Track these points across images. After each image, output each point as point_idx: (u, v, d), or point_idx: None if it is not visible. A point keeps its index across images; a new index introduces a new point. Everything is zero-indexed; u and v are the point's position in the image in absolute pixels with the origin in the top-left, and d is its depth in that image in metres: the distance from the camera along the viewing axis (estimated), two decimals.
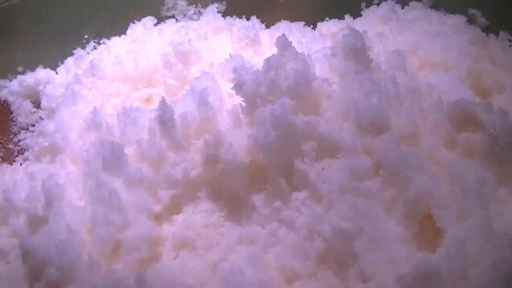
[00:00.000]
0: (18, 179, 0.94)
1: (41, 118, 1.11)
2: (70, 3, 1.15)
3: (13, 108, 1.12)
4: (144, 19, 1.18)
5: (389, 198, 0.73)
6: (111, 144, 0.83)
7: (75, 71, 1.11)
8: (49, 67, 1.16)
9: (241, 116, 0.83)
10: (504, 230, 0.66)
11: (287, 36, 0.87)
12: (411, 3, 1.12)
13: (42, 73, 1.15)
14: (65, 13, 1.15)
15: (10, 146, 1.08)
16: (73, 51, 1.16)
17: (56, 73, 1.16)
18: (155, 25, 1.18)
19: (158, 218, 0.81)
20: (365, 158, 0.75)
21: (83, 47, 1.17)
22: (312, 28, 1.13)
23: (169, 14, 1.20)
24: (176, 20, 1.19)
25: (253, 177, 0.80)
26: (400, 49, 0.93)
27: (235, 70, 0.83)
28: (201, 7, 1.20)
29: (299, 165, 0.76)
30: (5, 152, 1.07)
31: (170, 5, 1.19)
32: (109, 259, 0.76)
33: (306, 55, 0.85)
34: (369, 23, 1.09)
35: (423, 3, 1.11)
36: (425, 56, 0.97)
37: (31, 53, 1.15)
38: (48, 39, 1.15)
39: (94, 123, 0.93)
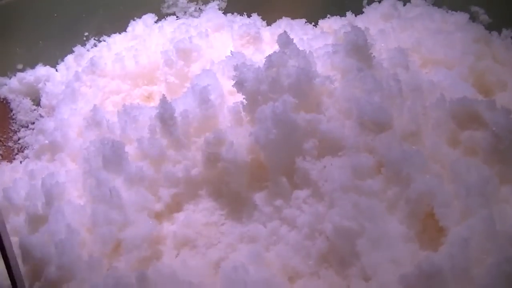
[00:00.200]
0: (18, 177, 0.94)
1: (41, 116, 1.11)
2: (70, 1, 1.14)
3: (13, 105, 1.12)
4: (144, 16, 1.17)
5: (391, 196, 0.72)
6: (111, 142, 0.83)
7: (75, 69, 1.10)
8: (49, 65, 1.15)
9: (242, 114, 0.83)
10: (507, 229, 0.66)
11: (288, 33, 0.87)
12: (413, 0, 1.11)
13: (42, 70, 1.15)
14: (65, 10, 1.14)
15: (10, 144, 1.07)
16: (73, 49, 1.16)
17: (56, 70, 1.16)
18: (156, 22, 1.17)
19: (158, 216, 0.80)
20: (367, 156, 0.75)
21: (83, 45, 1.17)
22: (313, 25, 1.13)
23: (169, 11, 1.19)
24: (177, 17, 1.19)
25: (254, 175, 0.80)
26: (402, 47, 0.92)
27: (236, 68, 0.82)
28: (202, 4, 1.20)
29: (301, 163, 0.76)
30: (4, 150, 1.06)
31: (170, 2, 1.19)
32: (110, 257, 0.76)
33: (307, 52, 0.85)
34: (370, 20, 1.09)
35: (425, 0, 1.10)
36: (428, 53, 0.96)
37: (31, 51, 1.14)
38: (48, 37, 1.14)
39: (94, 121, 0.93)
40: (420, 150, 0.74)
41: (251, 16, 1.16)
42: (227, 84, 0.87)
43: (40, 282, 0.76)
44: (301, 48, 0.85)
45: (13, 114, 1.11)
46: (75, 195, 0.85)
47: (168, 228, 0.79)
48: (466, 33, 0.98)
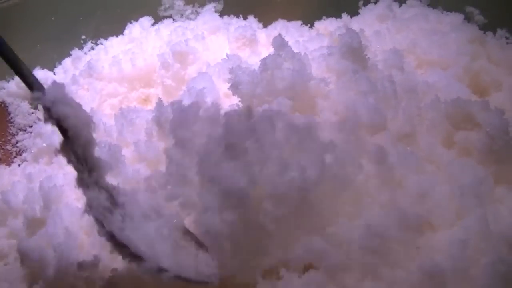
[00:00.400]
0: (16, 180, 0.94)
1: (38, 119, 1.11)
2: (67, 4, 1.15)
3: (11, 109, 1.12)
4: (141, 19, 1.18)
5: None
6: (108, 145, 0.83)
7: (72, 72, 1.11)
8: (46, 68, 1.16)
9: None
10: (501, 229, 0.66)
11: (284, 35, 0.87)
12: (408, 1, 1.12)
13: (39, 74, 1.14)
14: (62, 13, 1.14)
15: (8, 147, 1.08)
16: (71, 52, 1.16)
17: (54, 73, 1.16)
18: (153, 25, 1.18)
19: None
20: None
21: (81, 48, 1.17)
22: (309, 27, 1.13)
23: (166, 14, 1.20)
24: (174, 20, 1.19)
25: None
26: (398, 48, 0.93)
27: (231, 71, 0.83)
28: (198, 7, 1.20)
29: None
30: (3, 153, 1.07)
31: (167, 5, 1.19)
32: (108, 260, 0.76)
33: (302, 54, 0.85)
34: (366, 22, 1.09)
35: (421, 1, 1.11)
36: (423, 54, 0.97)
37: (28, 54, 1.14)
38: (46, 40, 1.14)
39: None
40: (414, 151, 0.74)
41: (247, 18, 1.16)
42: (223, 87, 0.87)
43: (38, 285, 0.77)
44: (296, 51, 0.85)
45: (11, 118, 1.11)
46: (73, 198, 0.85)
47: None
48: (461, 34, 0.99)
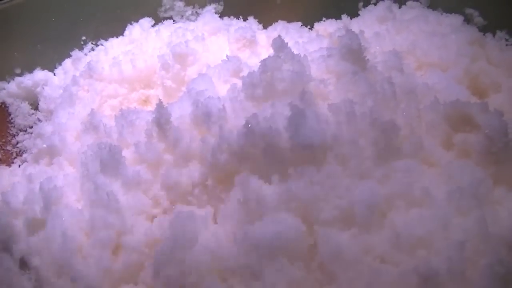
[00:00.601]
0: (16, 181, 0.94)
1: (39, 120, 1.12)
2: (67, 5, 1.15)
3: (11, 109, 1.12)
4: (141, 20, 1.17)
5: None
6: (108, 146, 0.83)
7: (72, 73, 1.11)
8: (47, 69, 1.16)
9: None
10: (500, 230, 0.66)
11: (284, 36, 0.87)
12: (408, 3, 1.12)
13: (40, 74, 1.15)
14: (62, 14, 1.14)
15: (8, 148, 1.08)
16: (71, 53, 1.16)
17: (54, 74, 1.16)
18: (153, 26, 1.17)
19: None
20: None
21: (81, 49, 1.17)
22: (309, 28, 1.13)
23: (166, 15, 1.20)
24: (174, 21, 1.19)
25: None
26: (397, 49, 0.93)
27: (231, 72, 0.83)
28: (199, 8, 1.20)
29: None
30: (3, 154, 1.07)
31: (167, 6, 1.19)
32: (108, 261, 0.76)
33: (302, 56, 0.85)
34: (366, 23, 1.09)
35: (420, 3, 1.11)
36: (422, 56, 0.97)
37: (28, 55, 1.14)
38: (46, 41, 1.14)
39: (92, 125, 0.93)
40: None
41: (247, 19, 1.16)
42: (223, 88, 0.87)
43: (38, 286, 0.77)
44: (296, 52, 0.85)
45: (12, 118, 1.12)
46: (73, 199, 0.85)
47: None
48: (461, 35, 0.99)
